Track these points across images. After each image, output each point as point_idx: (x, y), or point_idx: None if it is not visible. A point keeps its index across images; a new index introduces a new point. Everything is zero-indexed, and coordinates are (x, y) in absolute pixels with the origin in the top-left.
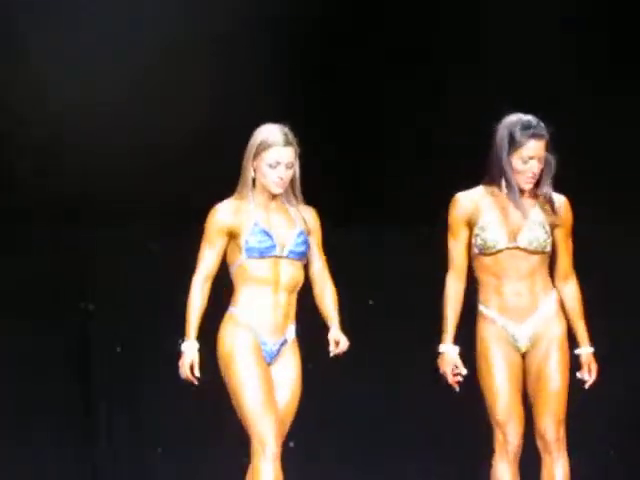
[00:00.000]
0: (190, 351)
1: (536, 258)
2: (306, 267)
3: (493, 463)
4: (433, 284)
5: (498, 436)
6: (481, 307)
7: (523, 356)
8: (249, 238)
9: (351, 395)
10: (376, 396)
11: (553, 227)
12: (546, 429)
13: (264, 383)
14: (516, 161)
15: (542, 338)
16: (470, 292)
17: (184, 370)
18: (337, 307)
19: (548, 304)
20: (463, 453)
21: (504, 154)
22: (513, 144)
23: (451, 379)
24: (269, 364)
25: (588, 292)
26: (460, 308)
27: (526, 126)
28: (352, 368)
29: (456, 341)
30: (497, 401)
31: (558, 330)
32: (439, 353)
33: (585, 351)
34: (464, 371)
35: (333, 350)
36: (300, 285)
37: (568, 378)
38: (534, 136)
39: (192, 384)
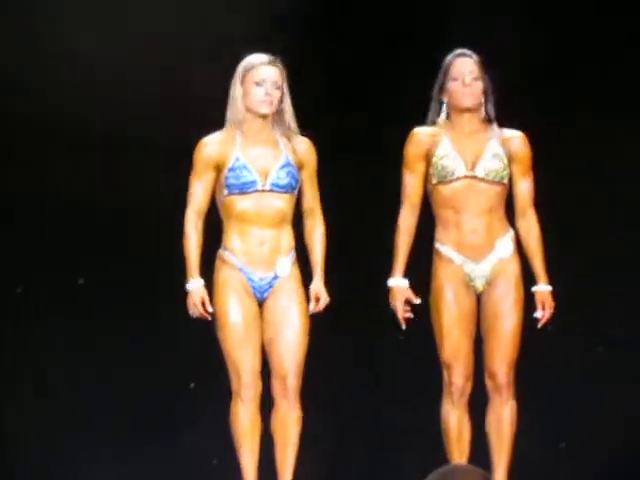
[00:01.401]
0: (197, 289)
1: (494, 192)
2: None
3: (442, 404)
4: None
5: (444, 376)
6: (438, 245)
7: (479, 296)
8: (229, 174)
9: None
10: None
11: (510, 161)
12: (498, 370)
13: (244, 323)
14: (450, 83)
15: (498, 278)
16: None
17: (196, 309)
18: (323, 253)
19: (505, 243)
20: None
21: (439, 82)
22: (443, 68)
23: (401, 313)
24: (262, 300)
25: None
26: (411, 241)
27: (453, 52)
28: None
29: (406, 275)
30: (444, 341)
31: (515, 270)
32: (389, 289)
33: (540, 288)
34: (416, 300)
35: (312, 307)
36: (289, 217)
37: (523, 320)
38: (458, 55)
39: (206, 320)
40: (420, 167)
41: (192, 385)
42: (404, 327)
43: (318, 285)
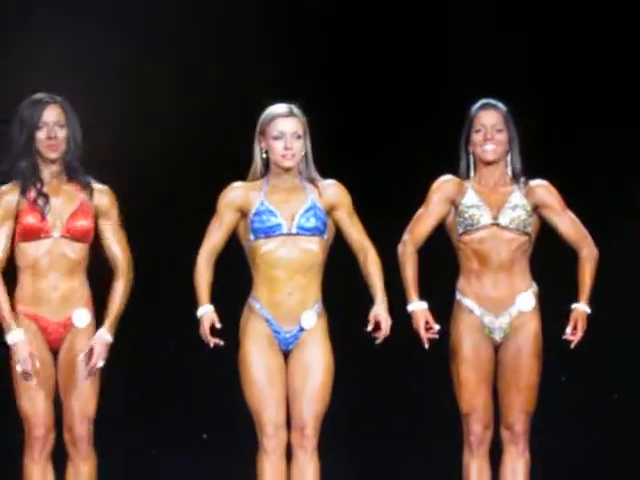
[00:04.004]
0: (206, 314)
1: (517, 242)
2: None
3: (463, 454)
4: None
5: (464, 426)
6: (459, 296)
7: (497, 347)
8: (254, 218)
9: None
10: None
11: (536, 208)
12: (515, 421)
13: (266, 375)
14: (473, 135)
15: (517, 331)
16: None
17: (205, 335)
18: (380, 278)
19: (526, 298)
20: None
21: (465, 132)
22: (468, 119)
23: (423, 334)
24: (287, 351)
25: None
26: (417, 268)
27: (478, 103)
28: None
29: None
30: (462, 390)
31: (534, 325)
32: (410, 314)
33: (577, 306)
34: (436, 326)
35: (372, 331)
36: (319, 264)
37: (541, 372)
38: (482, 107)
39: (217, 345)
40: (439, 209)
41: (204, 436)
42: (427, 346)
43: (377, 309)
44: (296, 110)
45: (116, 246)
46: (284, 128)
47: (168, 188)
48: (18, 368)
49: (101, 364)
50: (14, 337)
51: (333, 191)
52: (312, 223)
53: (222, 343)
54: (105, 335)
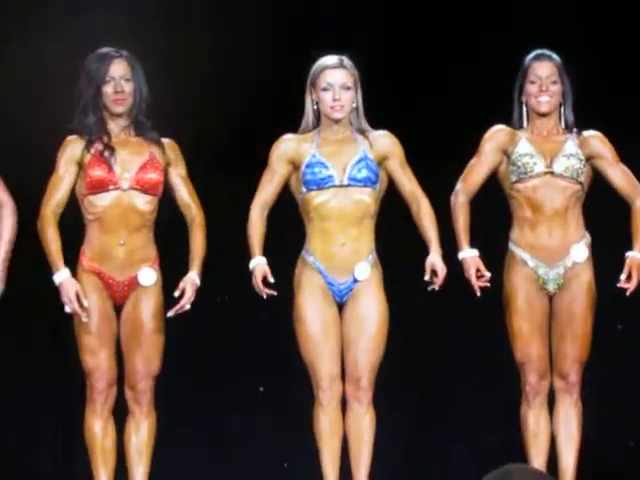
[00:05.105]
0: (258, 266)
1: (571, 191)
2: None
3: (521, 404)
4: None
5: (521, 377)
6: (512, 247)
7: (551, 298)
8: (306, 170)
9: None
10: None
11: (589, 159)
12: (570, 371)
13: (321, 327)
14: (528, 86)
15: (571, 282)
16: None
17: (258, 286)
18: (434, 228)
19: (580, 249)
20: None
21: (519, 83)
22: (522, 69)
23: (474, 282)
24: (341, 303)
25: None
26: (468, 218)
27: (533, 53)
28: None
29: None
30: (516, 342)
31: (588, 276)
32: (460, 262)
33: (632, 255)
34: (487, 274)
35: (427, 278)
36: (371, 214)
37: (593, 322)
38: (537, 58)
39: (271, 296)
40: (492, 158)
41: (261, 389)
42: (479, 294)
43: (433, 257)
44: (346, 61)
45: (188, 196)
46: (333, 79)
47: (221, 139)
48: (66, 309)
49: (188, 307)
50: (60, 277)
51: (384, 142)
52: (364, 174)
53: (275, 294)
54: (195, 278)
